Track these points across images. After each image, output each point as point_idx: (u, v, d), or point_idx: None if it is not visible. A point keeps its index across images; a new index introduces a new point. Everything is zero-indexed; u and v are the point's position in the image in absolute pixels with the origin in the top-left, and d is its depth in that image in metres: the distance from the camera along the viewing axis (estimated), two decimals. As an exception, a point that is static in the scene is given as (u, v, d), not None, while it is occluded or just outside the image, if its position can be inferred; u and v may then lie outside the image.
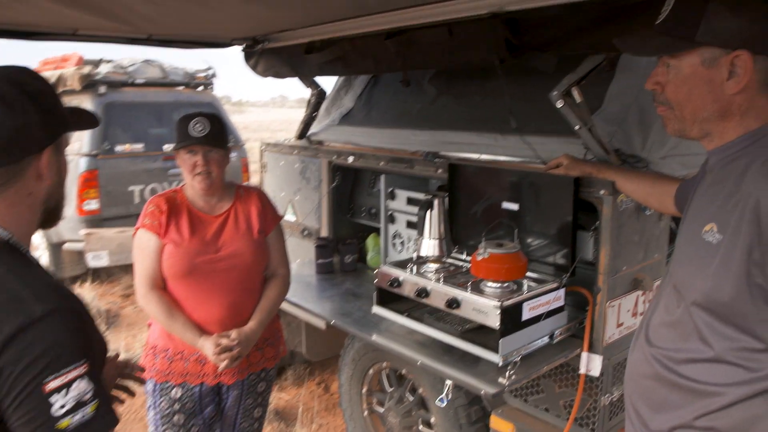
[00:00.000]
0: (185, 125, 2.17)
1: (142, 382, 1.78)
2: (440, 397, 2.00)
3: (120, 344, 4.76)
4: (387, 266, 2.31)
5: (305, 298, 2.73)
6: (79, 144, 5.65)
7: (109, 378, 1.62)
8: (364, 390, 3.08)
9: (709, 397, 1.19)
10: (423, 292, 2.13)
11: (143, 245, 2.19)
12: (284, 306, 2.66)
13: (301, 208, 3.43)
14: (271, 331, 2.40)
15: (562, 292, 2.10)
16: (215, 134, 2.20)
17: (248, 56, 3.59)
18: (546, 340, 2.07)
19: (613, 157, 2.22)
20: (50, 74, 6.09)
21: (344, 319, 2.45)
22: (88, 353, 1.02)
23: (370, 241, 3.24)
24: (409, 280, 2.20)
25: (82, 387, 0.99)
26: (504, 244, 2.06)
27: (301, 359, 4.19)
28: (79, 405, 0.99)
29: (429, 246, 2.28)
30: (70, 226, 5.65)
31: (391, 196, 2.93)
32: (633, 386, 1.37)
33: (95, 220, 5.74)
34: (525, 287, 2.04)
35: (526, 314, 1.98)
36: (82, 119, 1.20)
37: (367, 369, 3.03)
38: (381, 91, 3.58)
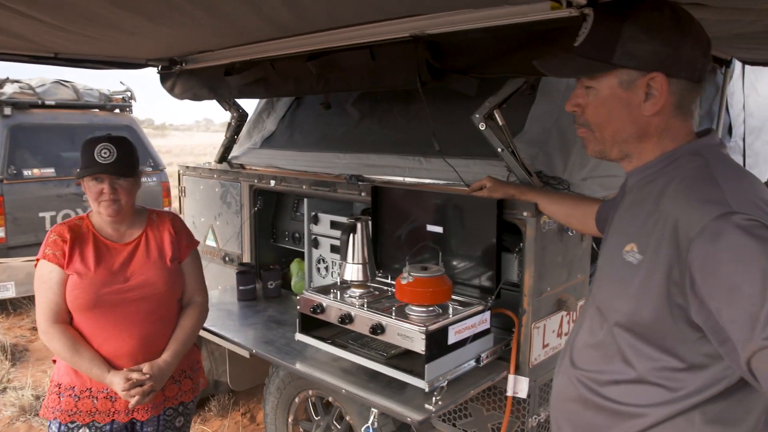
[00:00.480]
0: (90, 150, 2.06)
1: None
2: (365, 425, 1.93)
3: (27, 381, 4.42)
4: (310, 292, 2.23)
5: (227, 326, 2.60)
6: (-18, 169, 5.30)
7: None
8: (290, 419, 2.97)
9: (631, 419, 1.19)
10: (347, 318, 2.07)
11: (45, 277, 2.06)
12: (206, 335, 2.55)
13: (221, 234, 3.31)
14: (189, 363, 2.29)
15: (487, 314, 2.09)
16: (123, 160, 2.10)
17: (164, 78, 3.47)
18: (472, 363, 2.04)
19: (535, 179, 2.24)
20: (-51, 94, 5.70)
21: (267, 348, 2.35)
22: None
23: (294, 266, 3.15)
24: (333, 306, 2.13)
25: None
26: (428, 268, 2.03)
27: (225, 389, 4.02)
28: None
29: (352, 271, 2.22)
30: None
31: (315, 220, 2.87)
32: (559, 410, 1.36)
33: (0, 249, 5.38)
34: (450, 311, 2.01)
35: (452, 338, 1.95)
36: None
37: (292, 397, 2.92)
38: (304, 114, 3.52)
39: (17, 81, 5.80)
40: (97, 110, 6.37)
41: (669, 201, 1.13)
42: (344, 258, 2.24)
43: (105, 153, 2.06)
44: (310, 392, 2.81)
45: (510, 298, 2.21)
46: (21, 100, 5.64)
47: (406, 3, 2.02)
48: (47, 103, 5.83)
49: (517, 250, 2.13)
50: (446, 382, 1.90)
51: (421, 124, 2.82)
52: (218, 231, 3.32)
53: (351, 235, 2.22)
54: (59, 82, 6.03)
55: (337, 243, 2.76)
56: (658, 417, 1.15)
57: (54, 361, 2.19)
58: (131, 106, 6.59)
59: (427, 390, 1.87)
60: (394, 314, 1.98)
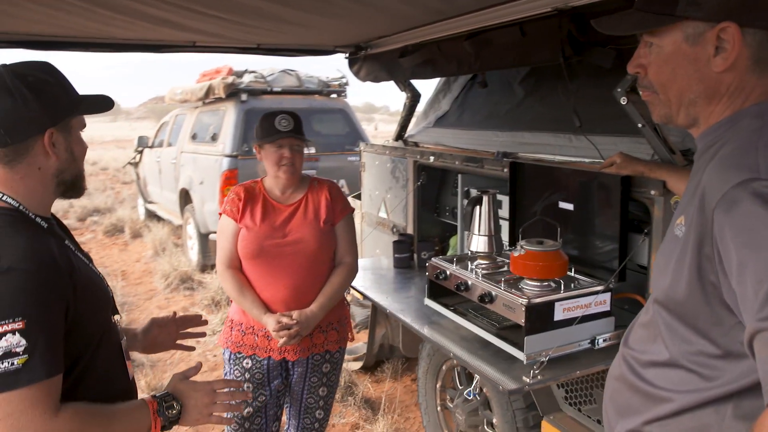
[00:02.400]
0: (271, 121, 2.39)
1: (201, 335, 2.01)
2: (468, 389, 2.01)
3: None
4: (437, 259, 2.35)
5: (375, 288, 2.83)
6: (222, 146, 6.26)
7: (166, 336, 1.84)
8: (438, 385, 3.13)
9: (661, 404, 1.11)
10: (462, 286, 2.15)
11: (223, 228, 2.44)
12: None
13: (391, 206, 3.56)
14: (336, 317, 2.54)
15: (607, 296, 2.01)
16: (298, 129, 2.41)
17: (352, 63, 3.80)
18: (586, 344, 1.99)
19: (678, 157, 2.08)
20: (203, 84, 6.81)
21: (402, 310, 2.52)
22: (29, 312, 1.16)
23: (453, 240, 3.28)
24: (453, 274, 2.23)
25: (12, 341, 1.13)
26: (544, 242, 2.02)
27: (399, 354, 4.31)
28: (7, 355, 1.13)
29: (478, 242, 2.29)
30: (214, 219, 6.28)
31: (467, 195, 2.95)
32: (607, 387, 1.31)
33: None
34: (562, 287, 1.99)
35: (559, 315, 1.93)
36: (96, 105, 1.40)
37: (440, 364, 3.07)
38: (475, 93, 3.60)
39: (254, 71, 6.72)
40: (316, 95, 7.11)
41: (709, 168, 1.04)
42: (469, 229, 2.31)
43: (284, 122, 2.38)
44: (455, 361, 2.92)
45: (641, 282, 2.09)
46: (254, 87, 6.54)
47: None
48: (274, 89, 6.67)
49: (646, 231, 2.01)
50: (547, 357, 1.89)
51: (581, 100, 2.74)
52: (388, 203, 3.57)
53: (477, 207, 2.28)
54: (286, 71, 6.85)
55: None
56: (685, 403, 1.07)
57: (230, 301, 2.59)
58: (345, 91, 7.21)
59: (525, 362, 1.88)
60: (503, 285, 2.02)
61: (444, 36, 2.91)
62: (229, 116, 6.41)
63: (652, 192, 1.94)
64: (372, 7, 2.53)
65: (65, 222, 1.60)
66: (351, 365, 4.35)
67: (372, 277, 3.00)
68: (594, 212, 2.17)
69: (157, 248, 7.82)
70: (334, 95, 7.23)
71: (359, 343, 4.69)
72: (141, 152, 9.15)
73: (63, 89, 1.32)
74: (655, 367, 1.15)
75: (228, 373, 2.49)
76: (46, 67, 1.33)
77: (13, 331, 1.13)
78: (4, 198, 1.31)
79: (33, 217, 1.33)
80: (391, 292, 2.78)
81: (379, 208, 3.68)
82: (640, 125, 2.11)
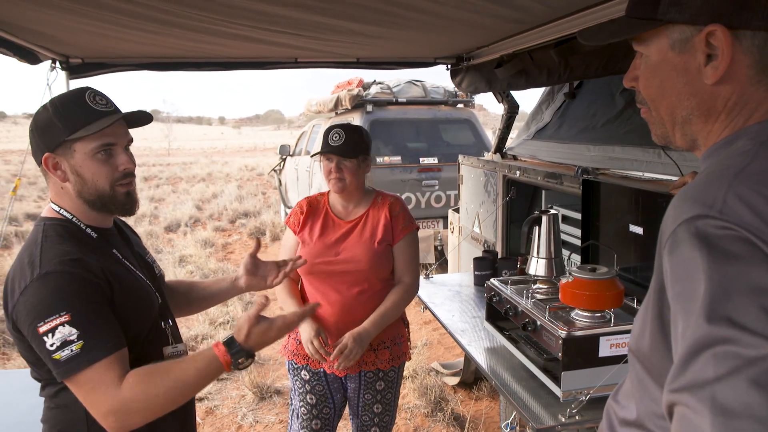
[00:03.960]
0: (326, 135, 2.38)
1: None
2: (506, 422, 1.89)
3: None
4: (495, 280, 2.24)
5: (445, 304, 2.77)
6: (347, 156, 6.48)
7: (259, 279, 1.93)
8: (518, 412, 2.97)
9: None
10: (512, 311, 2.03)
11: (285, 239, 2.49)
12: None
13: (483, 220, 3.45)
14: (390, 336, 2.46)
15: (670, 332, 1.79)
16: (349, 144, 2.34)
17: (454, 74, 3.76)
18: (641, 384, 1.79)
19: None
20: (334, 96, 7.08)
21: (463, 333, 2.43)
22: (72, 305, 1.31)
23: (540, 259, 3.10)
24: (505, 297, 2.11)
25: (65, 331, 1.30)
26: (597, 269, 1.84)
27: (499, 374, 4.17)
28: (65, 344, 1.30)
29: (537, 265, 2.15)
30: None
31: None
32: (595, 438, 1.17)
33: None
34: (612, 319, 1.80)
35: (605, 350, 1.75)
36: (134, 119, 1.52)
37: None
38: (577, 104, 3.39)
39: (380, 83, 6.87)
40: (442, 106, 7.09)
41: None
42: (527, 251, 2.18)
43: (335, 137, 2.34)
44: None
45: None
46: (379, 98, 6.68)
47: None
48: (399, 100, 6.77)
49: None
50: (587, 396, 1.72)
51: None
52: (481, 217, 3.47)
53: (536, 228, 2.14)
54: (412, 82, 6.92)
55: (567, 239, 2.65)
56: None
57: None
58: (473, 101, 7.12)
59: (562, 399, 1.73)
60: (549, 314, 1.87)
61: (534, 45, 2.79)
62: (355, 127, 6.61)
63: (723, 218, 1.70)
64: (455, 21, 2.51)
65: (217, 224, 1.73)
66: (448, 380, 4.27)
67: (448, 293, 2.93)
68: (662, 238, 1.95)
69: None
70: (460, 105, 7.17)
71: (461, 358, 4.60)
72: (284, 160, 9.72)
73: (59, 116, 1.41)
74: (627, 426, 1.00)
75: (292, 383, 2.52)
76: (59, 97, 1.47)
77: (62, 324, 1.29)
78: (60, 211, 1.49)
79: (84, 228, 1.49)
80: (460, 310, 2.70)
81: (473, 223, 3.59)
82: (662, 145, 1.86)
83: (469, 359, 3.95)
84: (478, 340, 2.30)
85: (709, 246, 0.73)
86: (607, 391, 1.75)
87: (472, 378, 4.16)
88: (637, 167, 2.45)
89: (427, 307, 2.72)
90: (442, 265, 6.72)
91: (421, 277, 3.10)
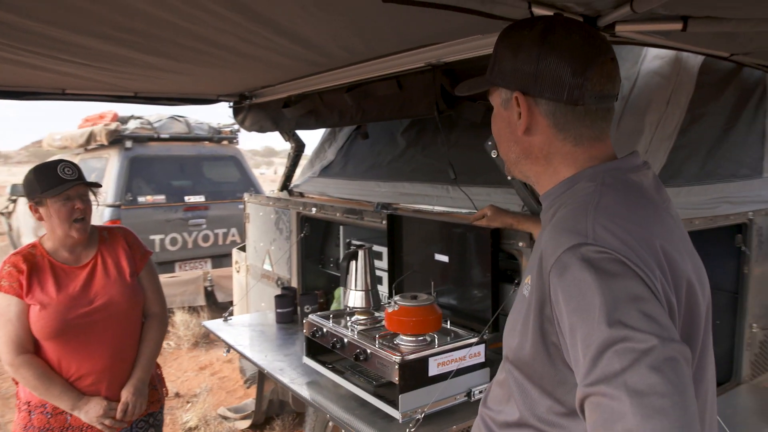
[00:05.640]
0: (52, 171, 2.07)
1: None
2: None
3: None
4: (314, 316, 2.28)
5: (255, 346, 2.71)
6: (104, 195, 5.94)
7: None
8: (325, 443, 3.01)
9: None
10: (339, 343, 2.10)
11: (3, 310, 2.07)
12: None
13: (275, 258, 3.46)
14: (155, 375, 2.38)
15: (481, 347, 2.02)
16: (83, 176, 2.14)
17: (236, 112, 3.73)
18: (462, 398, 1.98)
19: (544, 208, 2.15)
20: (85, 130, 6.47)
21: (281, 369, 2.41)
22: None
23: (337, 292, 3.22)
24: (329, 331, 2.17)
25: None
26: (418, 297, 2.01)
27: (289, 409, 4.16)
28: None
29: (354, 298, 2.25)
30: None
31: (349, 246, 2.92)
32: (469, 448, 1.29)
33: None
34: (436, 341, 1.97)
35: (434, 370, 1.91)
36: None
37: (327, 420, 2.97)
38: (359, 143, 3.62)
39: (139, 117, 6.48)
40: (206, 142, 6.94)
41: (547, 231, 1.06)
42: (345, 285, 2.27)
43: (68, 171, 2.09)
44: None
45: (514, 332, 2.12)
46: (140, 134, 6.29)
47: (422, 32, 2.06)
48: (162, 136, 6.46)
49: (516, 281, 2.05)
50: (422, 414, 1.85)
51: (459, 151, 2.80)
52: (273, 255, 3.48)
53: (353, 262, 2.25)
54: (174, 117, 6.65)
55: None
56: None
57: (16, 382, 2.18)
58: (237, 138, 7.10)
59: (401, 421, 1.84)
60: (378, 343, 1.98)
61: (326, 87, 2.92)
62: (112, 164, 6.11)
63: (520, 244, 1.99)
64: (249, 59, 2.49)
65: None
66: (238, 424, 4.13)
67: (253, 333, 2.88)
68: (468, 264, 2.20)
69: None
70: (225, 142, 7.08)
71: (248, 399, 4.49)
72: (14, 201, 8.52)
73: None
74: (509, 428, 1.14)
75: None
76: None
77: None
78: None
79: None
80: (273, 350, 2.67)
81: (264, 260, 3.58)
82: (509, 177, 2.17)
83: (260, 400, 3.89)
84: (300, 377, 2.30)
85: (595, 267, 0.91)
86: (437, 406, 1.90)
87: (263, 418, 4.08)
88: (428, 201, 2.71)
89: (240, 353, 2.63)
90: (210, 307, 6.50)
91: (220, 320, 3.00)
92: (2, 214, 9.15)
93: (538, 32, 1.08)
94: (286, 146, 3.83)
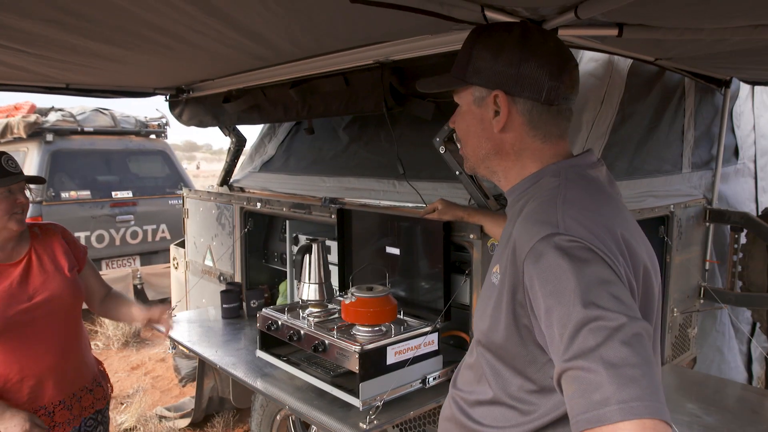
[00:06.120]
0: None
1: None
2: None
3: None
4: (268, 310, 2.30)
5: (203, 342, 2.69)
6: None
7: None
8: (273, 438, 3.03)
9: None
10: (295, 336, 2.13)
11: None
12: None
13: (217, 254, 3.43)
14: (96, 371, 2.34)
15: (435, 336, 2.10)
16: (21, 171, 2.10)
17: (173, 106, 3.66)
18: (418, 384, 2.06)
19: (492, 201, 2.26)
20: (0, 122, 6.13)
21: (234, 364, 2.42)
22: None
23: (282, 286, 3.23)
24: (285, 324, 2.19)
25: None
26: (373, 288, 2.07)
27: (230, 406, 4.12)
28: None
29: (308, 290, 2.28)
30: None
31: (296, 241, 2.95)
32: (440, 429, 1.37)
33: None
34: (392, 331, 2.04)
35: (392, 358, 1.98)
36: None
37: (274, 415, 2.99)
38: (300, 139, 3.64)
39: (60, 110, 6.19)
40: (133, 136, 6.72)
41: (517, 222, 1.15)
42: (299, 278, 2.30)
43: (12, 164, 2.05)
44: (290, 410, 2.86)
45: (464, 319, 2.22)
46: (62, 127, 6.02)
47: (374, 31, 2.10)
48: (86, 129, 6.20)
49: (467, 272, 2.14)
50: (382, 402, 1.92)
51: (403, 147, 2.88)
52: (214, 251, 3.45)
53: (306, 256, 2.28)
54: (98, 110, 6.40)
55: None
56: None
57: None
58: (166, 132, 6.91)
59: (361, 408, 1.90)
60: (336, 334, 2.03)
61: (269, 82, 2.91)
62: (31, 158, 5.82)
63: (471, 236, 2.09)
64: (194, 48, 2.46)
65: None
66: (178, 423, 4.07)
67: (199, 329, 2.85)
68: (419, 256, 2.28)
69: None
70: (153, 136, 6.88)
71: (186, 397, 4.42)
72: None
73: None
74: (481, 405, 1.23)
75: None
76: None
77: None
78: None
79: None
80: (221, 345, 2.66)
81: (204, 256, 3.54)
82: (457, 172, 2.26)
83: (200, 397, 3.84)
84: (254, 371, 2.32)
85: (569, 255, 1.00)
86: (395, 393, 1.98)
87: (203, 416, 4.04)
88: (375, 196, 2.77)
89: (188, 348, 2.61)
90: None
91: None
92: None
93: (517, 37, 1.17)
94: (208, 141, 3.82)
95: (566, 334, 0.95)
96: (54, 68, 2.79)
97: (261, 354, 2.32)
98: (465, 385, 1.30)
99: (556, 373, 0.97)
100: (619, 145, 2.57)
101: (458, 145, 1.37)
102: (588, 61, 2.47)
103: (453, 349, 2.28)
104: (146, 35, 2.10)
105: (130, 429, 4.01)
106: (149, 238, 6.43)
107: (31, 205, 2.19)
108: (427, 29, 2.04)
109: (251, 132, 3.81)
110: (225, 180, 3.71)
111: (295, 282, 2.58)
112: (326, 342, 2.02)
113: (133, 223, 6.30)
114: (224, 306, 2.99)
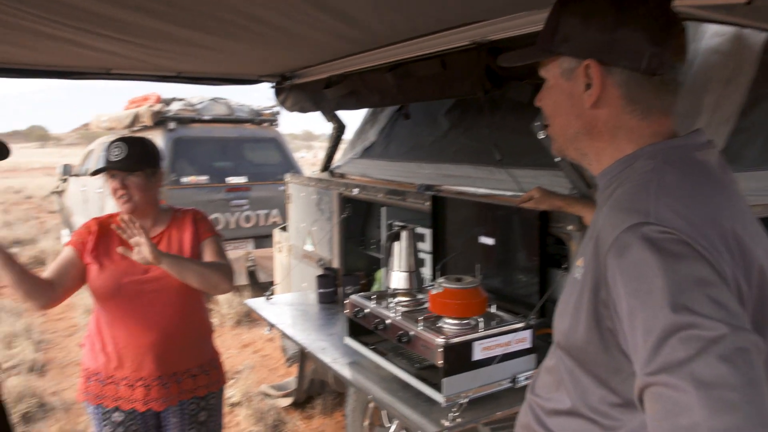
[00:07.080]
0: (106, 151, 2.19)
1: None
2: (390, 430, 1.92)
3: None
4: (356, 297, 2.27)
5: (297, 324, 2.72)
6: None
7: None
8: (366, 423, 3.02)
9: None
10: (381, 325, 2.08)
11: (60, 258, 2.19)
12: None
13: (317, 239, 3.47)
14: (208, 359, 2.38)
15: (527, 333, 1.97)
16: (133, 158, 2.17)
17: (278, 93, 3.73)
18: (507, 383, 1.94)
19: (595, 191, 2.08)
20: (130, 112, 6.59)
21: (323, 348, 2.41)
22: None
23: (378, 273, 3.20)
24: (371, 312, 2.15)
25: None
26: (462, 279, 1.97)
27: (330, 389, 4.19)
28: None
29: (397, 279, 2.23)
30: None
31: (390, 228, 2.90)
32: (516, 436, 1.26)
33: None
34: (481, 325, 1.94)
35: (479, 354, 1.88)
36: None
37: (367, 402, 2.97)
38: (401, 125, 3.58)
39: (182, 99, 6.56)
40: (247, 124, 6.99)
41: (604, 210, 1.01)
42: (387, 266, 2.25)
43: (116, 151, 2.16)
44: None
45: (561, 317, 2.07)
46: (183, 115, 6.37)
47: (467, 9, 2.01)
48: (204, 117, 6.53)
49: (564, 266, 1.99)
50: (467, 399, 1.82)
51: (503, 133, 2.74)
52: (315, 236, 3.48)
53: (396, 243, 2.22)
54: (215, 100, 6.72)
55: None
56: None
57: (81, 346, 2.33)
58: (278, 120, 7.13)
59: (444, 404, 1.82)
60: (422, 325, 1.95)
61: (367, 67, 2.88)
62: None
63: (569, 227, 1.94)
64: (290, 36, 2.47)
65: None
66: (280, 402, 4.19)
67: (296, 312, 2.89)
68: (514, 247, 2.15)
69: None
70: (266, 124, 7.12)
71: (290, 378, 4.54)
72: (65, 180, 8.76)
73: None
74: (558, 416, 1.10)
75: (99, 430, 2.23)
76: None
77: None
78: None
79: None
80: (315, 329, 2.67)
81: (305, 241, 3.59)
82: (556, 159, 2.11)
83: (302, 379, 3.92)
84: (342, 357, 2.30)
85: (658, 248, 0.85)
86: (481, 391, 1.87)
87: (304, 397, 4.13)
88: (471, 183, 2.66)
89: (282, 331, 2.64)
90: (252, 286, 6.58)
91: (262, 299, 3.02)
92: (55, 193, 9.42)
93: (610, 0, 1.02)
94: (325, 130, 3.83)
95: (651, 342, 0.81)
96: (163, 58, 2.91)
97: (348, 341, 2.30)
98: (543, 390, 1.18)
99: (637, 387, 0.84)
100: (749, 131, 2.28)
101: (546, 125, 1.23)
102: (712, 35, 2.20)
103: (548, 349, 2.13)
104: (237, 21, 2.12)
105: (236, 404, 4.17)
106: (261, 222, 6.67)
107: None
108: (524, 5, 1.91)
109: (354, 118, 3.80)
110: (326, 166, 3.74)
111: (383, 269, 2.54)
112: (410, 333, 1.95)
113: (246, 207, 6.57)
114: (320, 291, 3.01)
